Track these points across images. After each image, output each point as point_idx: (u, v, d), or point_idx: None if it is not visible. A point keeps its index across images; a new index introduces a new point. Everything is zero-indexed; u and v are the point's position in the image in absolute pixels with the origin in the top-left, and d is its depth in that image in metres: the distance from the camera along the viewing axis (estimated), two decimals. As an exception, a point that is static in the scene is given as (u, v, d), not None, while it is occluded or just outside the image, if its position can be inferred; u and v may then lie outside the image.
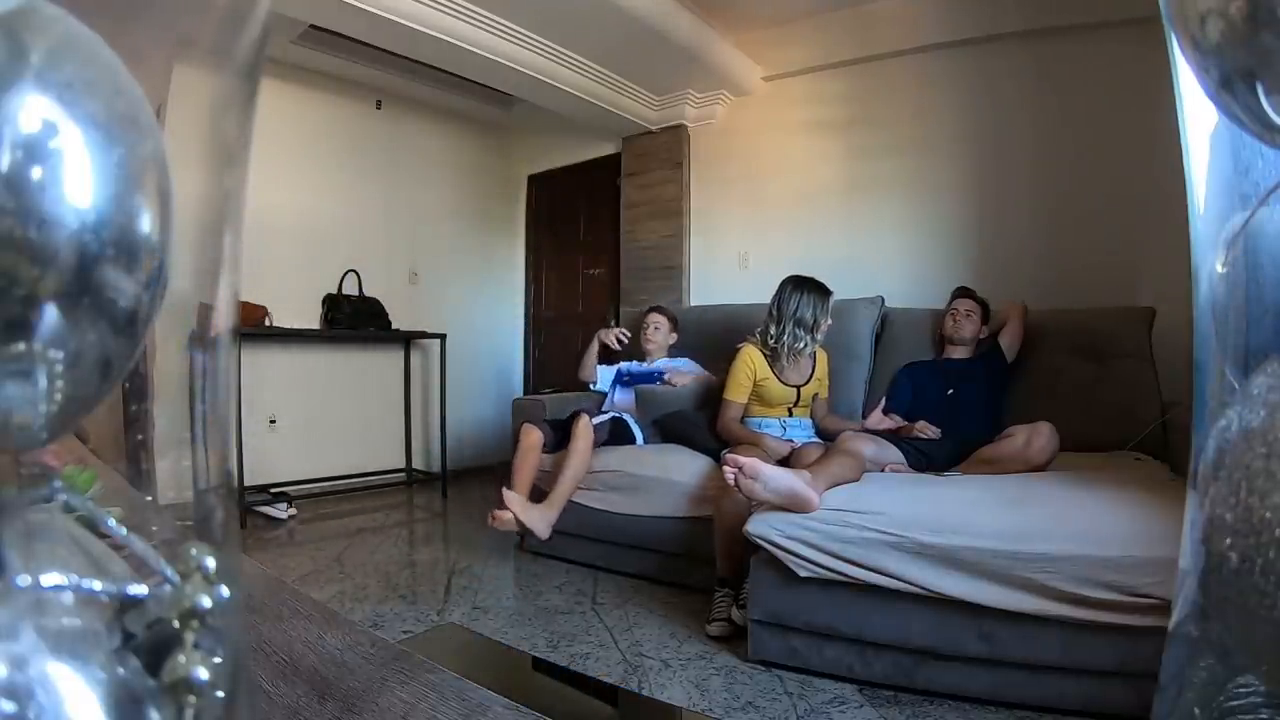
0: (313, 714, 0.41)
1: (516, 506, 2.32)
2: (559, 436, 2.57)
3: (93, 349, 0.17)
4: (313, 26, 3.11)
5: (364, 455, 4.11)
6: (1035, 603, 1.44)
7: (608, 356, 3.11)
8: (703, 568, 2.27)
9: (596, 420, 2.52)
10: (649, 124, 3.99)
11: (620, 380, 3.01)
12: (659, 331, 3.05)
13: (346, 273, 3.91)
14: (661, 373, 2.92)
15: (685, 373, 2.90)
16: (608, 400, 2.99)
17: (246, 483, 3.34)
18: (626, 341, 3.09)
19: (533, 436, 2.55)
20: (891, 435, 2.29)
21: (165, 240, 0.18)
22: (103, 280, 0.16)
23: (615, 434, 2.65)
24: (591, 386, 3.10)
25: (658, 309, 3.17)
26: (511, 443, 2.67)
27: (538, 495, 2.48)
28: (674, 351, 3.10)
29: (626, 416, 2.76)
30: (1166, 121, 0.29)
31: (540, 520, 2.32)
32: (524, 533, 2.41)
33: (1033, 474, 1.85)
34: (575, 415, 2.51)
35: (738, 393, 2.49)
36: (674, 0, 3.09)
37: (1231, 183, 0.25)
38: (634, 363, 3.06)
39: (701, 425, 2.62)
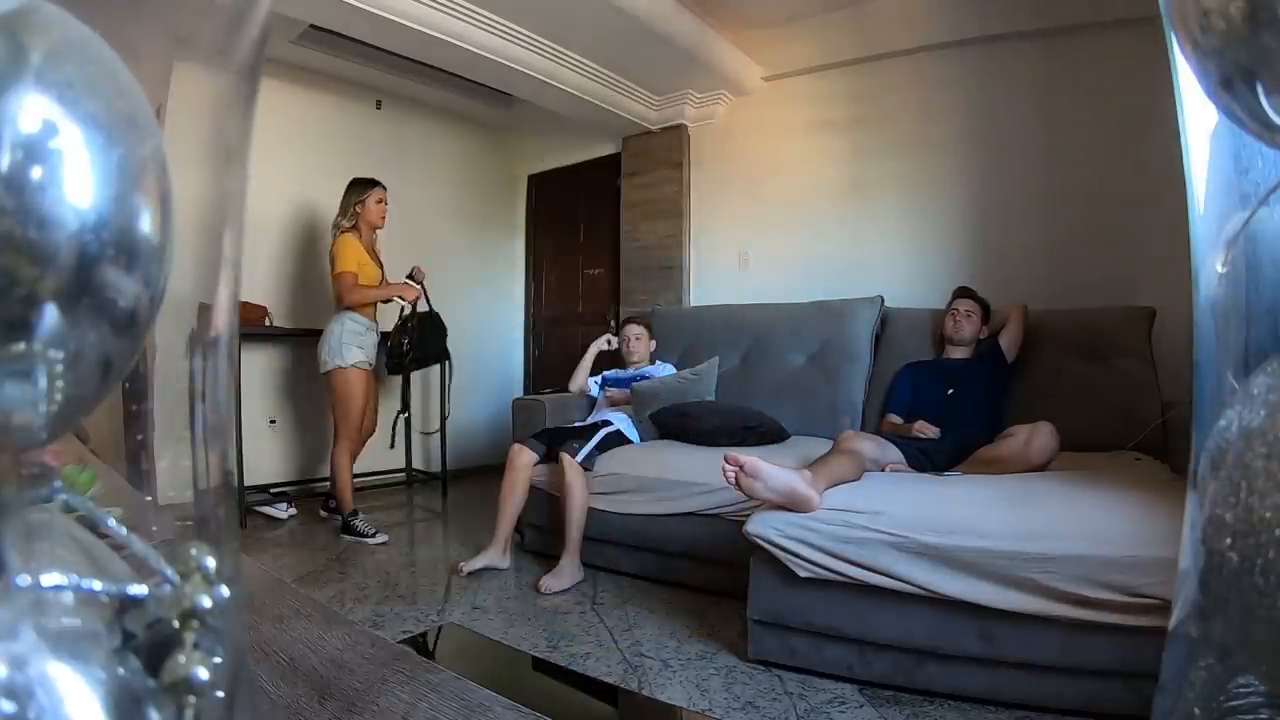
0: (313, 714, 0.41)
1: (490, 561, 2.50)
2: (550, 449, 2.61)
3: (93, 349, 0.17)
4: (313, 26, 3.12)
5: (364, 455, 4.09)
6: (1035, 603, 1.44)
7: (598, 366, 3.25)
8: (703, 567, 2.28)
9: (583, 452, 2.52)
10: (649, 124, 3.99)
11: (602, 387, 3.14)
12: (639, 342, 3.14)
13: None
14: (641, 377, 3.01)
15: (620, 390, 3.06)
16: (596, 409, 3.06)
17: (246, 483, 3.34)
18: (616, 345, 3.22)
19: (523, 457, 2.58)
20: (891, 435, 2.29)
21: (165, 240, 0.18)
22: (103, 280, 0.16)
23: (610, 445, 2.65)
24: (589, 393, 3.20)
25: (632, 320, 3.26)
26: (510, 442, 2.68)
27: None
28: (655, 357, 3.21)
29: (618, 420, 2.77)
30: (1166, 121, 0.29)
31: (569, 577, 2.38)
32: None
33: (1033, 474, 1.85)
34: (559, 455, 2.51)
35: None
36: (674, 0, 3.09)
37: (1231, 183, 0.25)
38: (617, 371, 3.17)
39: (695, 415, 2.63)
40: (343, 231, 2.99)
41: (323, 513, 3.22)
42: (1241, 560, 0.20)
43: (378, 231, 3.11)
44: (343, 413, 2.98)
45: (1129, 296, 2.59)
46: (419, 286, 3.23)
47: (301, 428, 3.82)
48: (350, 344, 2.95)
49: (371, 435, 3.24)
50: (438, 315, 3.37)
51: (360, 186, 3.04)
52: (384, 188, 3.08)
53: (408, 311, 3.29)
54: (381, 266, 3.11)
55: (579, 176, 4.60)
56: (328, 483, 3.29)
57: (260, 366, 3.64)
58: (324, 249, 3.90)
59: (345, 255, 2.93)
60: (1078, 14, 2.79)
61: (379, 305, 3.13)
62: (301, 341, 3.80)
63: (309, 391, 3.86)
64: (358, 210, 3.00)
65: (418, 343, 3.29)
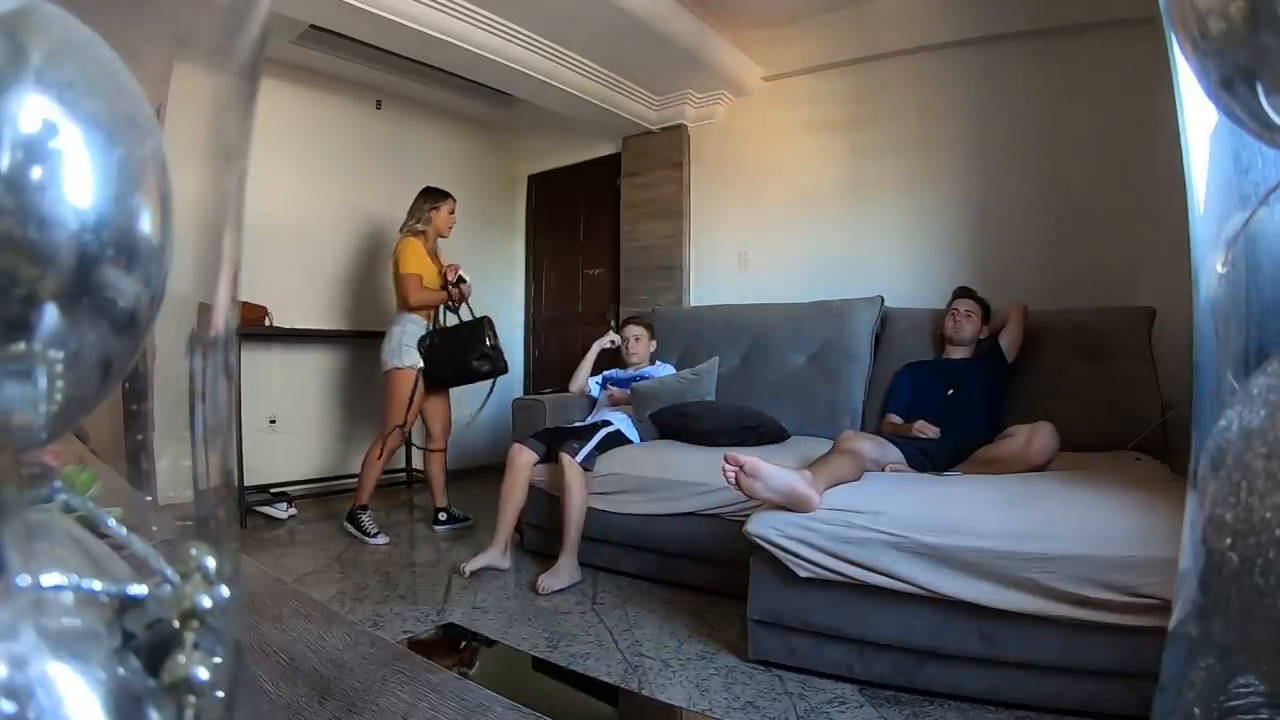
0: (313, 714, 0.41)
1: (490, 561, 2.49)
2: (550, 449, 2.61)
3: (93, 349, 0.17)
4: (313, 26, 3.12)
5: (364, 455, 4.10)
6: (1035, 603, 1.44)
7: (599, 366, 3.26)
8: (703, 567, 2.28)
9: (583, 452, 2.52)
10: (649, 124, 3.99)
11: (603, 386, 3.15)
12: (639, 343, 3.14)
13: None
14: (641, 378, 3.02)
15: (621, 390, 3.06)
16: (596, 408, 3.08)
17: (246, 483, 3.34)
18: (619, 343, 3.22)
19: (523, 457, 2.59)
20: (892, 435, 2.29)
21: (165, 240, 0.18)
22: (103, 280, 0.16)
23: (610, 445, 2.65)
24: (589, 393, 3.21)
25: (633, 320, 3.26)
26: (510, 442, 2.69)
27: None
28: (655, 357, 3.21)
29: (618, 420, 2.77)
30: (1166, 121, 0.29)
31: (566, 577, 2.38)
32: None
33: (1033, 474, 1.85)
34: (559, 455, 2.50)
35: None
36: (674, 0, 3.09)
37: (1231, 183, 0.25)
38: (617, 371, 3.18)
39: (695, 415, 2.63)
40: (410, 234, 3.08)
41: (436, 528, 3.18)
42: (1241, 560, 0.20)
43: (440, 239, 3.21)
44: (389, 410, 3.07)
45: (1129, 296, 2.59)
46: (452, 290, 3.15)
47: (302, 428, 3.82)
48: (411, 346, 3.04)
49: (449, 433, 3.32)
50: (457, 329, 3.15)
51: (434, 195, 3.15)
52: (455, 200, 3.21)
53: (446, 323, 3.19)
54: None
55: (579, 176, 4.60)
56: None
57: (260, 366, 3.64)
58: (327, 250, 3.93)
59: (409, 258, 3.02)
60: (1077, 14, 2.79)
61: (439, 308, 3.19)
62: (302, 342, 3.81)
63: (309, 391, 3.86)
64: (431, 215, 3.11)
65: (431, 359, 3.09)
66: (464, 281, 3.16)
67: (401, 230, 3.15)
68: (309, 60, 3.64)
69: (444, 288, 3.12)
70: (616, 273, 4.29)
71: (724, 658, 1.82)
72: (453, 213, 3.19)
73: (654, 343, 3.20)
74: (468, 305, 3.18)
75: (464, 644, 1.99)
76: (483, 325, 3.11)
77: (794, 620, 1.71)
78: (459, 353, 3.07)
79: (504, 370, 3.14)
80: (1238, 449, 0.21)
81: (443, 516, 3.19)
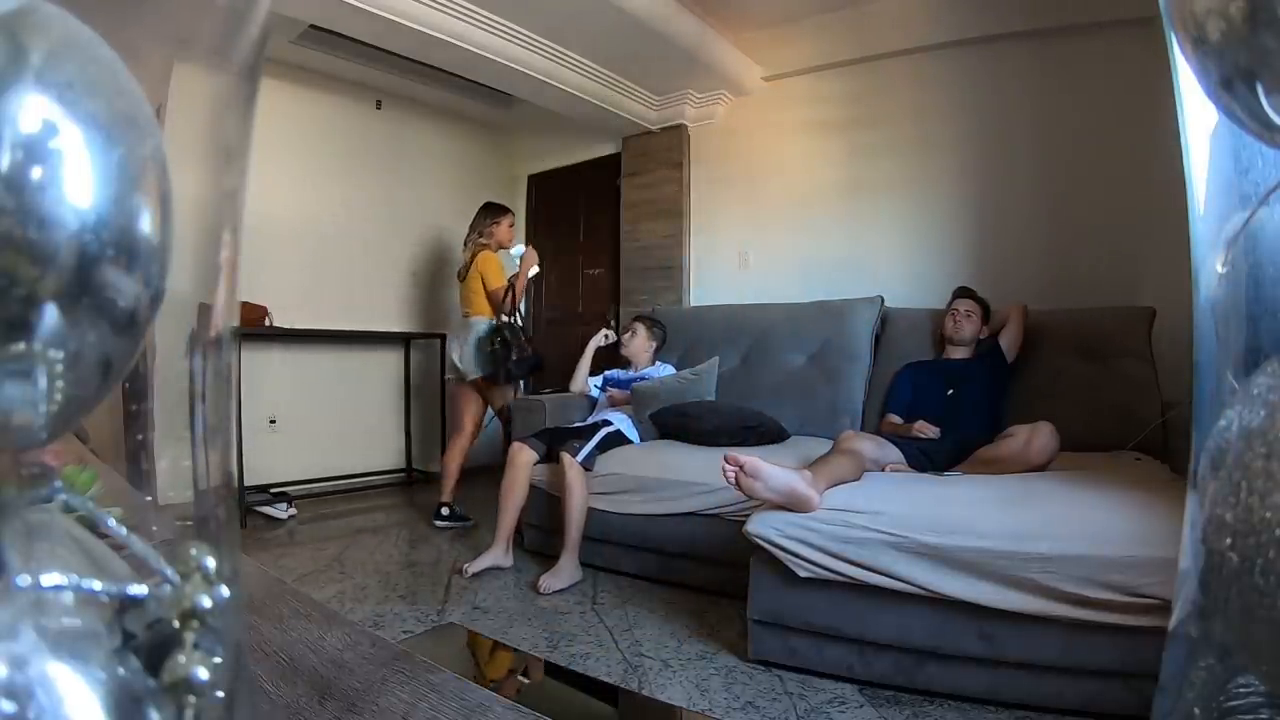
0: (313, 714, 0.41)
1: (493, 561, 2.51)
2: (550, 448, 2.61)
3: (93, 349, 0.17)
4: (313, 26, 3.12)
5: (364, 455, 4.10)
6: (1035, 603, 1.44)
7: (598, 365, 3.27)
8: (703, 567, 2.28)
9: (584, 452, 2.52)
10: (649, 124, 3.99)
11: (602, 387, 3.17)
12: (635, 338, 3.16)
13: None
14: (641, 378, 3.02)
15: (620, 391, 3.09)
16: (596, 409, 3.08)
17: (246, 483, 3.34)
18: (614, 339, 3.28)
19: (523, 455, 2.59)
20: (892, 435, 2.29)
21: (165, 240, 0.18)
22: (103, 280, 0.16)
23: (610, 444, 2.65)
24: (589, 394, 3.21)
25: (637, 318, 3.27)
26: (504, 451, 2.69)
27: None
28: (657, 357, 3.21)
29: (618, 420, 2.77)
30: (1166, 121, 0.29)
31: (567, 576, 2.38)
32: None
33: (1033, 474, 1.85)
34: (559, 455, 2.51)
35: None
36: (674, 0, 3.09)
37: (1231, 183, 0.25)
38: (617, 371, 3.19)
39: (695, 415, 2.63)
40: (482, 248, 3.29)
41: (437, 523, 3.21)
42: (1241, 560, 0.20)
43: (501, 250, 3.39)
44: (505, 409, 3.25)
45: (1129, 296, 2.59)
46: (509, 286, 3.22)
47: (302, 428, 3.82)
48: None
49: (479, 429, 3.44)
50: (502, 329, 3.24)
51: (494, 210, 3.37)
52: (513, 213, 3.45)
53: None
54: None
55: (579, 176, 4.60)
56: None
57: (260, 366, 3.64)
58: (326, 249, 3.93)
59: (496, 271, 3.25)
60: (1076, 14, 2.79)
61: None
62: (302, 342, 3.81)
63: (309, 391, 3.86)
64: (492, 229, 3.33)
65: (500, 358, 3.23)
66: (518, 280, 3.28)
67: (466, 244, 3.36)
68: (309, 60, 3.64)
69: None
70: (616, 273, 4.29)
71: (724, 658, 1.82)
72: (512, 225, 3.40)
73: (654, 343, 3.19)
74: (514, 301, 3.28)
75: (464, 644, 1.99)
76: (500, 331, 3.22)
77: (794, 620, 1.71)
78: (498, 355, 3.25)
79: (534, 366, 3.28)
80: (1238, 449, 0.21)
81: (445, 511, 3.20)
